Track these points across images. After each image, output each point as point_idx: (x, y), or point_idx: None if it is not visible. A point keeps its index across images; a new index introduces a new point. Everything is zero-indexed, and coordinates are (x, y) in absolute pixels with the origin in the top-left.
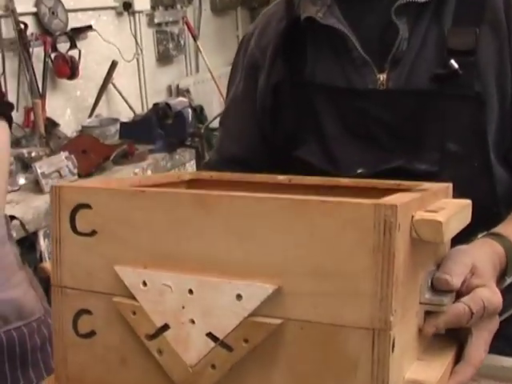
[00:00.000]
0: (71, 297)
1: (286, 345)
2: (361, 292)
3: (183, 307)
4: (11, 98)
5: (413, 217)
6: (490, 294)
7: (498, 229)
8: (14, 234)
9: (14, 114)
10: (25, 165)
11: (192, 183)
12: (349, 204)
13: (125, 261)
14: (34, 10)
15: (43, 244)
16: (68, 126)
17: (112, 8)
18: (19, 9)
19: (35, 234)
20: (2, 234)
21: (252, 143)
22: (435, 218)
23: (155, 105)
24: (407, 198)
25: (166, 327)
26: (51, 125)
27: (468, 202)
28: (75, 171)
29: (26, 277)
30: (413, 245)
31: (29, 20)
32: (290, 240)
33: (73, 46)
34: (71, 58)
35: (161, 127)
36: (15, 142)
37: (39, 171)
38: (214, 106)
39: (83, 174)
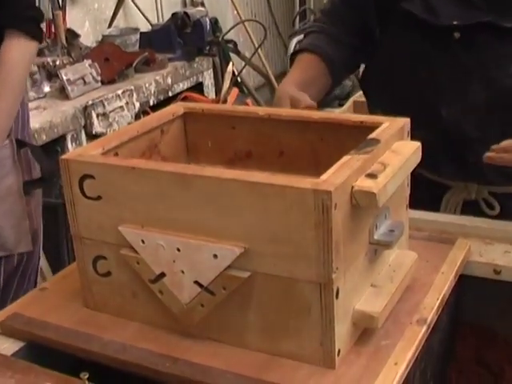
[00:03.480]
0: (89, 246)
1: (255, 291)
2: (309, 256)
3: (174, 261)
4: None
5: (353, 187)
6: None
7: None
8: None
9: None
10: (49, 73)
11: (187, 117)
12: (293, 188)
13: (126, 221)
14: None
15: (71, 147)
16: (87, 38)
17: None
18: None
19: (63, 136)
20: (5, 154)
21: None
22: (370, 189)
23: (174, 14)
24: (347, 173)
25: (163, 275)
26: (72, 35)
27: (417, 144)
28: (98, 78)
29: (24, 207)
30: (355, 207)
31: None
32: (251, 213)
33: None
34: None
35: (180, 36)
36: (38, 53)
37: (65, 78)
38: (228, 19)
39: (106, 80)
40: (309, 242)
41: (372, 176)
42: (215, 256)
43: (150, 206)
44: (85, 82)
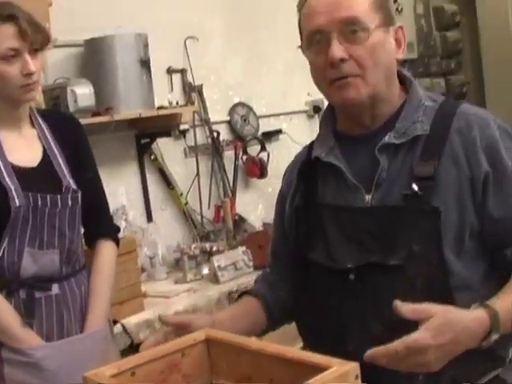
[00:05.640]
0: None
1: None
2: None
3: None
4: (203, 196)
5: None
6: (416, 335)
7: (489, 301)
8: None
9: (205, 210)
10: (209, 256)
11: (209, 341)
12: None
13: None
14: (227, 118)
15: None
16: (260, 220)
17: (303, 112)
18: (213, 118)
19: None
20: (105, 334)
21: (281, 247)
22: None
23: None
24: None
25: None
26: (240, 220)
27: None
28: (251, 264)
29: None
30: None
31: (222, 128)
32: None
33: (263, 148)
34: (260, 160)
35: None
36: (205, 236)
37: (216, 264)
38: None
39: (258, 266)
40: None
41: None
42: None
43: None
44: (236, 268)
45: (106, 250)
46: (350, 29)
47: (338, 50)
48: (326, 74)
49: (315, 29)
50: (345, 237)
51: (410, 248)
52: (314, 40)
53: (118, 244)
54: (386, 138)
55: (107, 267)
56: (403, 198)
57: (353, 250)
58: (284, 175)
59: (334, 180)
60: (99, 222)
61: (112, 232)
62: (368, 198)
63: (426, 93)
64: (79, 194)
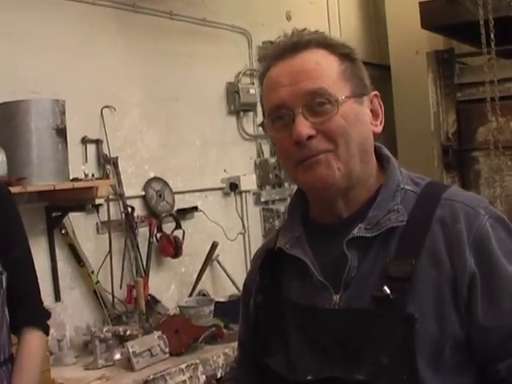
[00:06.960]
0: None
1: None
2: None
3: None
4: (115, 275)
5: None
6: None
7: None
8: None
9: (116, 290)
10: (122, 340)
11: None
12: None
13: None
14: (142, 193)
15: None
16: (172, 301)
17: (219, 189)
18: (128, 192)
19: None
20: None
21: (247, 341)
22: None
23: None
24: None
25: None
26: (153, 301)
27: None
28: (166, 350)
29: None
30: None
31: (136, 203)
32: None
33: (178, 226)
34: (175, 238)
35: None
36: (116, 318)
37: (131, 350)
38: None
39: (174, 353)
40: None
41: None
42: None
43: None
44: (151, 354)
45: (30, 341)
46: (317, 101)
47: (303, 126)
48: (292, 154)
49: (277, 103)
50: (307, 343)
51: (378, 361)
52: (277, 115)
53: (47, 333)
54: (356, 231)
55: (31, 362)
56: (373, 300)
57: (315, 359)
58: (252, 262)
59: (300, 275)
60: (25, 307)
61: (39, 319)
62: (336, 298)
63: (410, 173)
64: (3, 276)
